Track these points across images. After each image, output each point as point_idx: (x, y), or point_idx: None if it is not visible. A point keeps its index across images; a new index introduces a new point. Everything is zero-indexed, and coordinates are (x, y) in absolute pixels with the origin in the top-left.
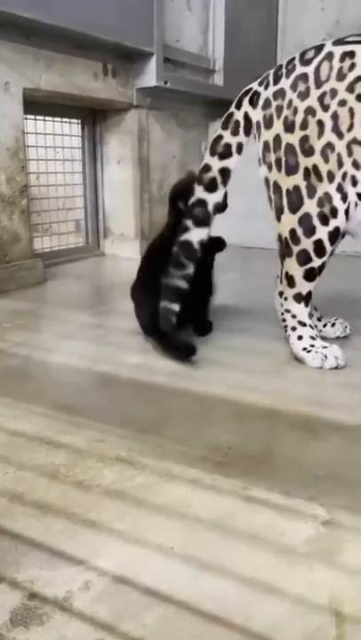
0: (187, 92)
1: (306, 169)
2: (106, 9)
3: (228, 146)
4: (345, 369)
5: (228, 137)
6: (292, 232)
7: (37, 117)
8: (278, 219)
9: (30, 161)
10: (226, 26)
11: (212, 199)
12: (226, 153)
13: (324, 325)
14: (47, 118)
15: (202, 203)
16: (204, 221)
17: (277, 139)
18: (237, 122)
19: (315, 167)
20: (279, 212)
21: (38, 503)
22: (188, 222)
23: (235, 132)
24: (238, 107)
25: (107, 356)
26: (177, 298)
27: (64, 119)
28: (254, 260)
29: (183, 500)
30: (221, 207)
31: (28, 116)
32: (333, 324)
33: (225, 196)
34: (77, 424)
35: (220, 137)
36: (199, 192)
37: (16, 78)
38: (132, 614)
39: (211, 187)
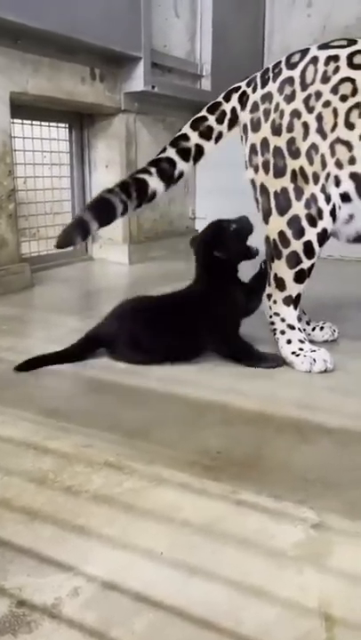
0: (174, 97)
1: (293, 171)
2: (93, 13)
3: (210, 128)
4: (333, 372)
5: (212, 121)
6: (281, 234)
7: (25, 121)
8: (266, 221)
9: (17, 165)
10: (213, 31)
11: (181, 166)
12: (206, 134)
13: (313, 329)
14: (34, 122)
15: (171, 162)
16: (166, 179)
17: (265, 142)
18: (224, 112)
19: (301, 169)
20: (267, 215)
21: (26, 509)
22: (151, 168)
23: (220, 121)
24: (227, 100)
25: (94, 360)
26: (103, 216)
27: (52, 123)
28: (243, 264)
29: (172, 504)
30: (248, 253)
31: (16, 120)
32: (322, 328)
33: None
34: (65, 429)
35: (204, 117)
36: (171, 152)
37: (3, 82)
38: (122, 620)
39: (183, 154)
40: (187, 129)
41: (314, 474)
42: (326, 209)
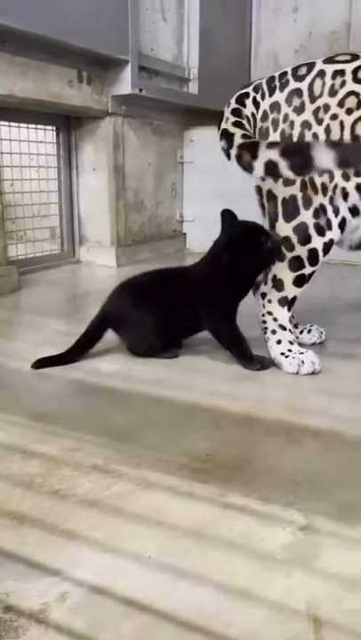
0: (162, 100)
1: (303, 181)
2: (80, 16)
3: (242, 123)
4: (320, 374)
5: (245, 120)
6: (286, 239)
7: (11, 124)
8: (272, 227)
9: (4, 168)
10: (200, 35)
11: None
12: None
13: (301, 332)
14: (21, 125)
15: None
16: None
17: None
18: (248, 117)
19: (311, 179)
20: (273, 220)
21: (13, 514)
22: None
23: (247, 124)
24: (243, 105)
25: (82, 363)
26: None
27: (38, 126)
28: None
29: (160, 507)
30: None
31: (2, 123)
32: (310, 331)
33: None
34: (53, 433)
35: (238, 122)
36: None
37: None
38: (110, 625)
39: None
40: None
41: (302, 476)
42: (335, 221)
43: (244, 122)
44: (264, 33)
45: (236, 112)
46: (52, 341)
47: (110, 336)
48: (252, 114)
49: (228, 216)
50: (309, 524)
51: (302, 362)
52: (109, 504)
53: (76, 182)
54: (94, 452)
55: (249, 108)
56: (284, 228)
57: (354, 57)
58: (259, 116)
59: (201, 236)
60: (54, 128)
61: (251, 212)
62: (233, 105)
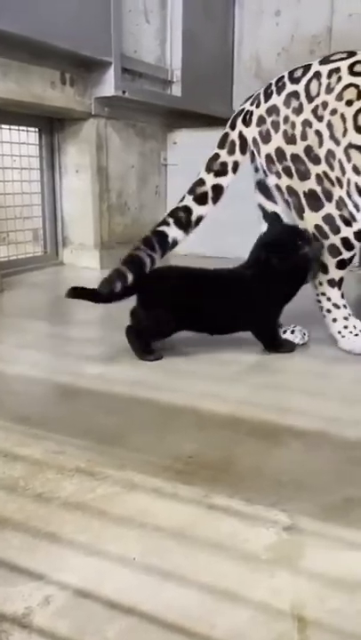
0: (145, 102)
1: (318, 175)
2: (63, 18)
3: (224, 164)
4: (304, 375)
5: (224, 156)
6: (318, 227)
7: None
8: (301, 217)
9: None
10: (183, 37)
11: (198, 211)
12: (221, 171)
13: (284, 332)
14: (4, 126)
15: (187, 210)
16: (184, 226)
17: (280, 150)
18: (233, 141)
19: (325, 173)
20: (300, 212)
21: None
22: (169, 219)
23: (231, 151)
24: (233, 127)
25: (66, 366)
26: (136, 269)
27: (21, 127)
28: None
29: (145, 509)
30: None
31: None
32: (293, 332)
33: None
34: (36, 436)
35: (216, 155)
36: (188, 200)
37: None
38: (94, 628)
39: (200, 199)
40: (203, 173)
41: (286, 477)
42: (357, 215)
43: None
44: (247, 36)
45: (221, 141)
46: (35, 344)
47: (94, 338)
48: (240, 133)
49: (275, 219)
50: (294, 525)
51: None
52: (93, 506)
53: (59, 184)
54: (78, 454)
55: (237, 129)
56: (314, 217)
57: (350, 54)
58: (253, 123)
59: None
60: (37, 130)
61: (236, 212)
62: (226, 128)
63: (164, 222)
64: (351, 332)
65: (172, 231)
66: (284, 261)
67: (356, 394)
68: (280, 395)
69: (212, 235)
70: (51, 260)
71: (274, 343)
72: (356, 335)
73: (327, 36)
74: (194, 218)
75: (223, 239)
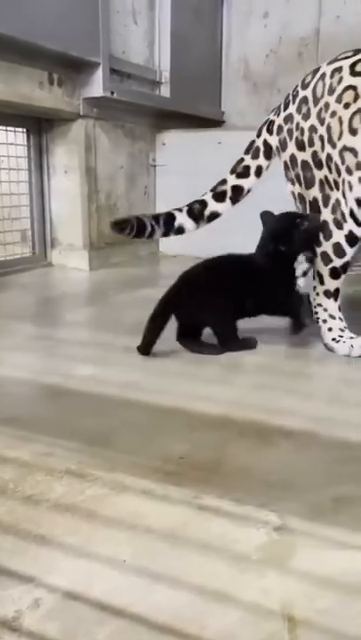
0: (133, 103)
1: (320, 181)
2: (51, 18)
3: (246, 167)
4: (293, 376)
5: (248, 160)
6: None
7: None
8: None
9: None
10: (171, 39)
11: (213, 207)
12: (243, 173)
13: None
14: None
15: (203, 203)
16: (195, 216)
17: (293, 157)
18: (258, 147)
19: (326, 178)
20: None
21: None
22: (183, 207)
23: (255, 156)
24: (258, 135)
25: (55, 367)
26: (139, 227)
27: (9, 128)
28: None
29: (135, 511)
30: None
31: None
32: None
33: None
34: (25, 438)
35: (241, 160)
36: (206, 195)
37: None
38: (84, 630)
39: (218, 196)
40: (227, 174)
41: (276, 477)
42: (346, 211)
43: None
44: (235, 37)
45: (247, 148)
46: (23, 345)
47: (83, 339)
48: (264, 140)
49: (267, 215)
50: (284, 525)
51: (352, 345)
52: (83, 508)
53: (48, 185)
54: (67, 456)
55: (262, 137)
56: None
57: (356, 52)
58: (274, 132)
59: (174, 239)
60: (25, 130)
61: (229, 215)
62: (255, 137)
63: (178, 209)
64: (347, 339)
65: (182, 217)
66: (292, 244)
67: (344, 394)
68: (270, 395)
69: (205, 236)
70: (39, 261)
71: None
72: (352, 338)
73: (315, 38)
74: (207, 212)
75: (215, 241)
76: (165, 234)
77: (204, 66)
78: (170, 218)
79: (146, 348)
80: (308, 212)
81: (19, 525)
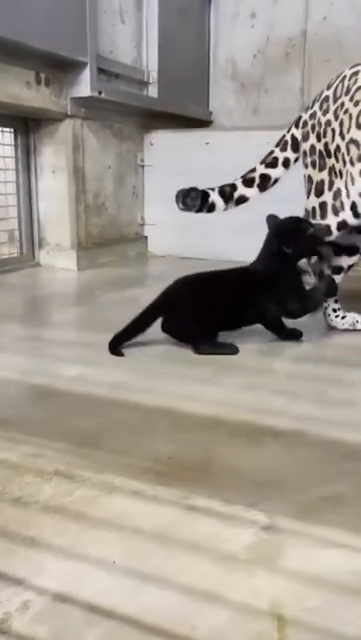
0: (121, 103)
1: (330, 168)
2: (38, 18)
3: (275, 158)
4: (281, 376)
5: (276, 152)
6: (313, 209)
7: None
8: (308, 197)
9: None
10: (159, 38)
11: (242, 191)
12: (272, 163)
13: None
14: None
15: (233, 186)
16: (225, 197)
17: (312, 147)
18: (286, 141)
19: (333, 166)
20: (308, 194)
21: None
22: (216, 188)
23: (283, 149)
24: (288, 130)
25: (43, 368)
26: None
27: None
28: (192, 271)
29: (124, 512)
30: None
31: None
32: (344, 317)
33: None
34: (13, 439)
35: (271, 152)
36: (237, 180)
37: None
38: (73, 632)
39: (247, 182)
40: (257, 164)
41: (264, 476)
42: (347, 203)
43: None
44: (222, 37)
45: (278, 141)
46: (11, 346)
47: (71, 340)
48: (292, 135)
49: (272, 218)
50: (272, 524)
51: (356, 320)
52: (72, 510)
53: (35, 185)
54: (56, 457)
55: (290, 131)
56: (314, 201)
57: None
58: (300, 126)
59: (163, 240)
60: (12, 130)
61: (218, 215)
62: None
63: (212, 188)
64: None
65: (214, 195)
66: (297, 247)
67: (331, 394)
68: (258, 395)
69: (192, 236)
70: (27, 262)
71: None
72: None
73: (302, 39)
74: (236, 195)
75: (203, 241)
76: (199, 209)
77: (192, 66)
78: (205, 194)
79: (114, 342)
80: (312, 187)
81: (7, 527)
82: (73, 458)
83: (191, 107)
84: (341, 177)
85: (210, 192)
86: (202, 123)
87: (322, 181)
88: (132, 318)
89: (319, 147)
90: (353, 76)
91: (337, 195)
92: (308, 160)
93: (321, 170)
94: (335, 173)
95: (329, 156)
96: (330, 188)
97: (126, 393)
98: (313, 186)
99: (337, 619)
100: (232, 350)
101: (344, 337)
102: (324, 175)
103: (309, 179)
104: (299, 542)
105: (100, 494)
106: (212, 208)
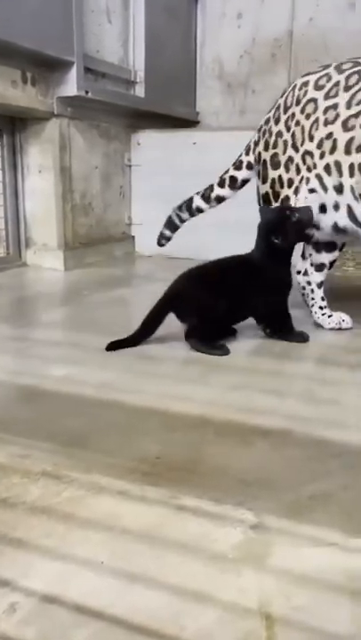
0: (108, 103)
1: (272, 179)
2: (25, 17)
3: (241, 162)
4: (269, 375)
5: (243, 156)
6: None
7: None
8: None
9: None
10: (146, 38)
11: (217, 191)
12: (238, 166)
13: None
14: None
15: (210, 187)
16: (206, 199)
17: (259, 155)
18: (250, 146)
19: (279, 177)
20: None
21: None
22: (198, 192)
23: (247, 153)
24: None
25: (31, 368)
26: (172, 227)
27: None
28: (180, 271)
29: (112, 512)
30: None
31: None
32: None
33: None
34: (0, 440)
35: (240, 155)
36: (214, 182)
37: None
38: (61, 634)
39: (220, 183)
40: (230, 167)
41: (252, 476)
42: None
43: (240, 158)
44: (209, 38)
45: (246, 144)
46: None
47: (59, 340)
48: (255, 141)
49: (264, 209)
50: (260, 523)
51: (342, 319)
52: (60, 510)
53: (22, 185)
54: (43, 458)
55: (254, 138)
56: None
57: (325, 67)
58: (257, 133)
59: (150, 239)
60: None
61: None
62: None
63: (196, 193)
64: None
65: (197, 200)
66: (284, 236)
67: (318, 393)
68: (246, 395)
69: (180, 236)
70: (14, 262)
71: (286, 327)
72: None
73: (288, 39)
74: (213, 195)
75: (191, 241)
76: (190, 216)
77: (179, 66)
78: (190, 201)
79: (134, 340)
80: (261, 203)
81: None
82: (60, 458)
83: (178, 107)
84: (290, 186)
85: (194, 198)
86: (189, 123)
87: (267, 194)
88: (120, 321)
89: (265, 156)
90: (303, 86)
91: (284, 202)
92: (257, 169)
93: (264, 181)
94: (280, 184)
95: (276, 167)
96: (276, 199)
97: (114, 393)
98: (261, 200)
99: (325, 617)
100: (223, 352)
101: (331, 336)
102: (267, 188)
103: (258, 190)
104: (287, 541)
105: (88, 495)
106: (199, 210)
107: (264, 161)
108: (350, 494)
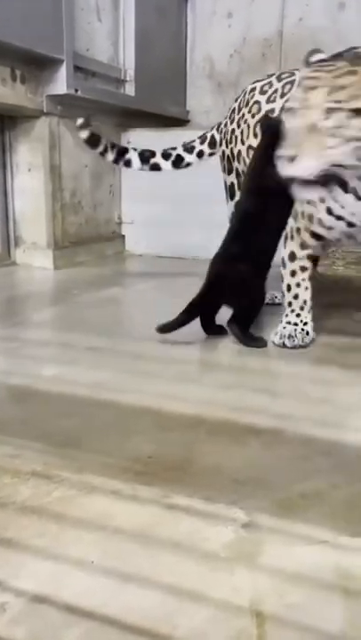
0: (98, 101)
1: (236, 169)
2: (14, 14)
3: (192, 147)
4: (261, 374)
5: (196, 142)
6: (232, 213)
7: None
8: (227, 201)
9: None
10: (136, 37)
11: (157, 160)
12: (189, 149)
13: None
14: None
15: (153, 153)
16: (142, 159)
17: (223, 153)
18: (206, 137)
19: (237, 169)
20: (226, 198)
21: None
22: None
23: (202, 142)
24: (211, 130)
25: (21, 368)
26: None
27: None
28: (170, 270)
29: (104, 512)
30: None
31: None
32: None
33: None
34: None
35: (193, 141)
36: (158, 151)
37: None
38: (52, 634)
39: (165, 156)
40: (179, 146)
41: (245, 475)
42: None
43: (193, 144)
44: (199, 37)
45: (201, 135)
46: None
47: (50, 339)
48: (212, 135)
49: None
50: (252, 522)
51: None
52: (51, 510)
53: (11, 183)
54: (34, 457)
55: (212, 132)
56: (231, 205)
57: (270, 75)
58: (220, 132)
59: (140, 238)
60: None
61: (195, 212)
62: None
63: (134, 148)
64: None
65: (132, 154)
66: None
67: (310, 392)
68: (239, 394)
69: (170, 235)
70: (3, 261)
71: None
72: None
73: (278, 39)
74: (152, 161)
75: (181, 240)
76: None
77: (169, 65)
78: (124, 150)
79: (172, 326)
80: (227, 195)
81: None
82: (51, 458)
83: (168, 105)
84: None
85: (129, 149)
86: (179, 122)
87: (232, 184)
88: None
89: (227, 152)
90: (251, 91)
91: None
92: (221, 165)
93: (230, 173)
94: (240, 175)
95: (234, 160)
96: (240, 189)
97: (106, 392)
98: (227, 189)
99: (317, 615)
100: (262, 344)
101: (323, 336)
102: (233, 178)
103: (224, 183)
104: (279, 539)
105: (79, 494)
106: (128, 164)
107: (227, 156)
108: (341, 493)
